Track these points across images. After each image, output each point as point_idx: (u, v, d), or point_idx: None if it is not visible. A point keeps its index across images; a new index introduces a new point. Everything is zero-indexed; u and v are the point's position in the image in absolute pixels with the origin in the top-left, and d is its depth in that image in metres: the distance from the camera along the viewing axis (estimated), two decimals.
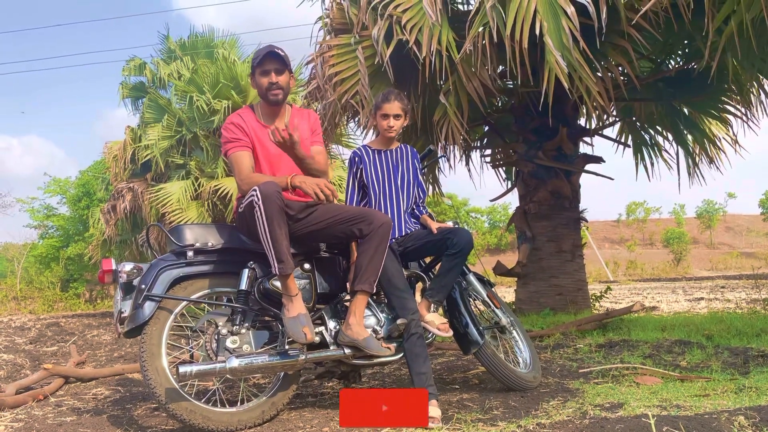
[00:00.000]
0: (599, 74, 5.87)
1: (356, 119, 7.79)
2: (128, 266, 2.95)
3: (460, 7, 7.65)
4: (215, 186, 10.39)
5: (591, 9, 4.86)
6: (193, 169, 11.03)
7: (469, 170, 9.12)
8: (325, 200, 2.97)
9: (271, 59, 3.14)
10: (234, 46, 12.76)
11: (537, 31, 4.99)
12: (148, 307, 2.84)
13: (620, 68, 6.45)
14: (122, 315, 2.88)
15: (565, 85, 5.09)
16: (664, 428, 2.21)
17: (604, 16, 4.88)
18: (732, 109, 7.65)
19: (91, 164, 20.15)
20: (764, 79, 6.68)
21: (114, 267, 2.97)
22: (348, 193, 3.61)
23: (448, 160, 8.60)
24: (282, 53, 3.15)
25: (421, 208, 3.67)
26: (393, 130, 3.50)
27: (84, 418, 3.35)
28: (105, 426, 3.13)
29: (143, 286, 2.85)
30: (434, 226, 3.46)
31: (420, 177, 3.68)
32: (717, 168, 8.28)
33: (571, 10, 4.89)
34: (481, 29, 5.36)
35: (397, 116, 3.47)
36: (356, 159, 3.58)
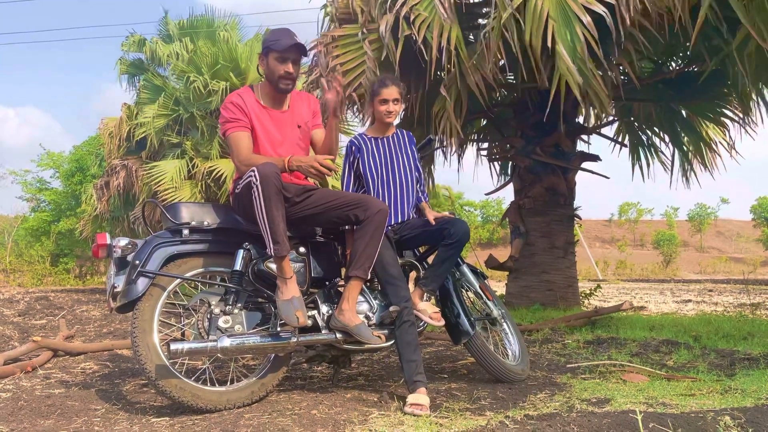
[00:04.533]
0: (600, 74, 5.87)
1: (355, 108, 7.77)
2: (123, 241, 2.95)
3: None
4: (210, 167, 10.35)
5: (608, 20, 4.84)
6: (188, 149, 10.97)
7: (459, 162, 9.13)
8: (327, 172, 2.97)
9: (295, 50, 3.10)
10: (235, 28, 12.65)
11: (549, 40, 4.98)
12: (142, 283, 2.83)
13: (620, 68, 6.46)
14: (115, 290, 2.87)
15: (578, 95, 5.10)
16: (650, 424, 2.23)
17: (628, 23, 4.88)
18: (730, 114, 7.68)
19: (86, 139, 20.04)
20: (765, 88, 6.70)
21: (109, 242, 2.96)
22: (344, 182, 3.61)
23: (445, 152, 8.61)
24: (305, 46, 3.14)
25: (420, 195, 3.67)
26: (392, 115, 3.50)
27: (72, 391, 3.35)
28: (93, 400, 3.14)
29: (137, 262, 2.85)
30: (431, 215, 3.46)
31: (417, 161, 3.68)
32: (711, 172, 8.33)
33: (587, 19, 4.87)
34: (496, 34, 5.34)
35: (395, 101, 3.48)
36: (353, 148, 3.58)
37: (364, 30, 6.50)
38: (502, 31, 5.25)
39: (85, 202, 14.82)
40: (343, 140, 11.35)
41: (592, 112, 8.42)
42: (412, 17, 5.83)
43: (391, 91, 3.47)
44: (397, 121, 4.03)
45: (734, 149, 8.04)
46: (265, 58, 3.17)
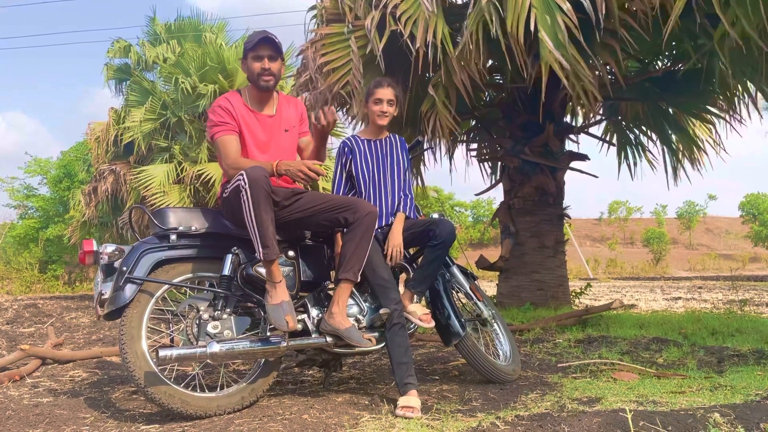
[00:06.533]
0: (583, 60, 5.88)
1: (344, 109, 7.76)
2: (110, 248, 2.92)
3: None
4: (198, 171, 10.32)
5: (587, 5, 4.87)
6: (176, 153, 10.94)
7: (450, 163, 9.13)
8: (315, 177, 2.98)
9: (265, 45, 3.11)
10: (222, 30, 12.64)
11: (532, 27, 4.99)
12: (129, 289, 2.80)
13: (607, 67, 6.49)
14: (103, 297, 2.84)
15: (563, 80, 5.10)
16: (641, 423, 2.23)
17: (603, 12, 4.89)
18: (717, 112, 7.74)
19: (74, 145, 19.95)
20: (751, 85, 6.75)
21: (95, 248, 2.93)
22: (335, 183, 3.59)
23: (434, 153, 8.61)
24: (276, 40, 3.14)
25: (401, 203, 3.52)
26: (386, 116, 3.49)
27: (61, 399, 3.32)
28: (82, 408, 3.11)
29: (125, 269, 2.82)
30: (395, 230, 3.39)
31: (408, 167, 3.66)
32: (699, 170, 8.38)
33: (567, 6, 4.90)
34: (475, 24, 5.35)
35: (390, 102, 3.47)
36: (346, 149, 3.56)
37: (350, 26, 6.49)
38: (484, 19, 5.24)
39: (73, 208, 14.73)
40: (335, 142, 11.38)
41: (579, 110, 8.46)
42: (398, 13, 5.83)
43: (386, 92, 3.45)
44: None
45: (721, 147, 8.11)
46: (245, 61, 3.18)
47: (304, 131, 3.38)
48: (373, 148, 3.56)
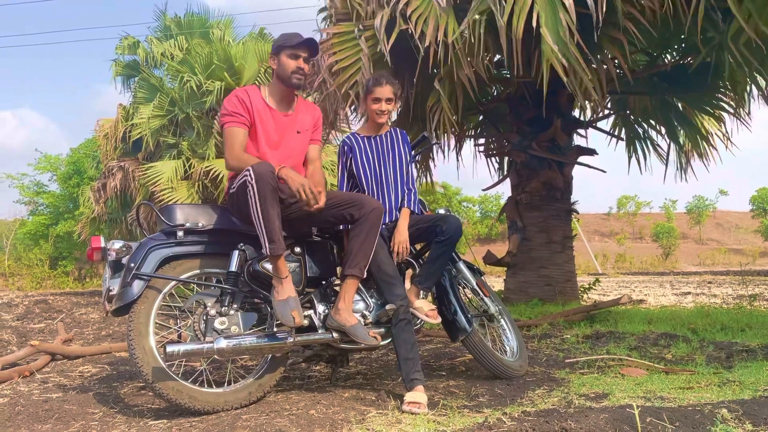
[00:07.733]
0: (594, 66, 5.86)
1: (353, 107, 7.77)
2: (117, 244, 2.93)
3: None
4: (206, 167, 10.34)
5: (589, 2, 4.84)
6: (184, 149, 10.96)
7: (457, 159, 9.12)
8: (305, 202, 2.91)
9: (307, 47, 3.15)
10: (229, 27, 12.65)
11: (534, 22, 4.97)
12: (137, 285, 2.82)
13: (615, 61, 6.45)
14: (110, 293, 2.86)
15: (563, 77, 5.09)
16: (648, 419, 2.23)
17: (603, 9, 4.86)
18: (726, 106, 7.68)
19: (83, 142, 20.06)
20: (760, 79, 6.69)
21: (103, 245, 2.95)
22: (339, 182, 3.60)
23: (441, 148, 8.59)
24: (317, 43, 3.17)
25: (405, 198, 3.49)
26: (384, 114, 3.46)
27: (70, 395, 3.34)
28: (91, 403, 3.13)
29: (132, 265, 2.84)
30: (400, 228, 3.37)
31: (411, 160, 3.64)
32: (708, 164, 8.34)
33: (569, 2, 4.87)
34: (477, 17, 5.35)
35: (389, 100, 3.43)
36: (346, 148, 3.55)
37: (360, 26, 6.48)
38: (488, 12, 5.23)
39: (83, 204, 14.82)
40: (339, 138, 11.38)
41: (588, 105, 8.42)
42: (408, 11, 5.82)
43: (385, 90, 3.42)
44: (393, 117, 3.99)
45: (730, 140, 8.05)
46: (277, 56, 3.18)
47: (316, 139, 3.38)
48: (373, 145, 3.54)
